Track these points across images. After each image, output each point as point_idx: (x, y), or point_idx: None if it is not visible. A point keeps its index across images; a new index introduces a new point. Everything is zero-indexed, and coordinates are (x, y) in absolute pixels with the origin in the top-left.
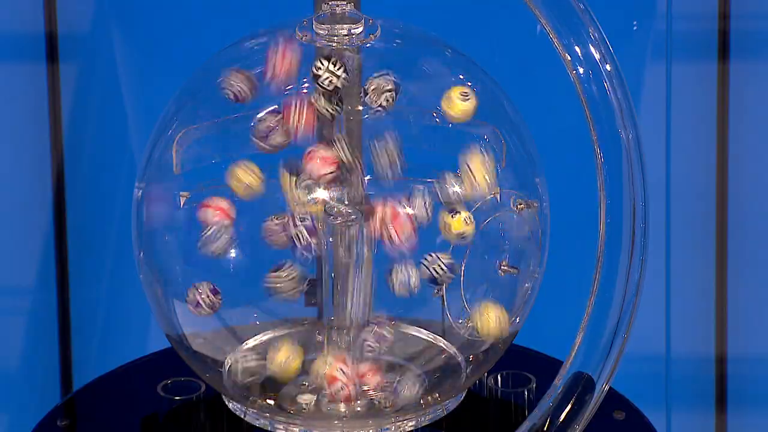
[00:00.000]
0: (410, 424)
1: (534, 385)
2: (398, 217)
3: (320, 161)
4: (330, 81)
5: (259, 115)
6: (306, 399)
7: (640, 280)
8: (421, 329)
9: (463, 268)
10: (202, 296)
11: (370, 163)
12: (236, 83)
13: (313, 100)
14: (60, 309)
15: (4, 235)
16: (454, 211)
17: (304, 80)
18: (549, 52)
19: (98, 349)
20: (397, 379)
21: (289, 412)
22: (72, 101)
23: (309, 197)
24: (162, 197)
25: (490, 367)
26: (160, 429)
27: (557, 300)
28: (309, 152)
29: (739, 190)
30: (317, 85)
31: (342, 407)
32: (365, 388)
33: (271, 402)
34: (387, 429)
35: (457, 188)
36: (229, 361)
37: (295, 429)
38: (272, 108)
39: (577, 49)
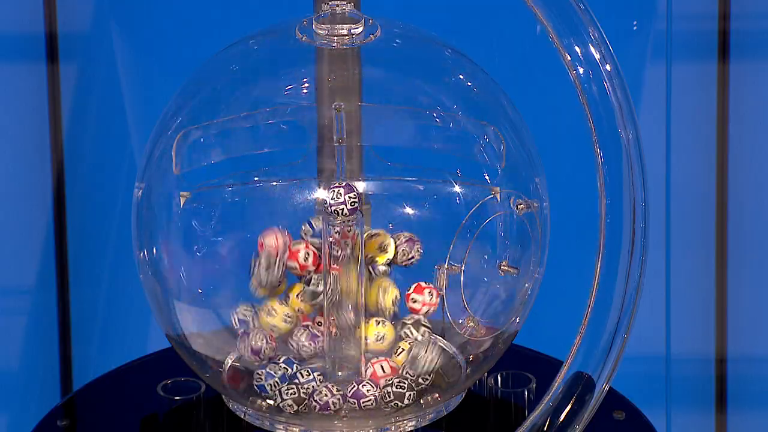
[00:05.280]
0: (410, 424)
1: (534, 385)
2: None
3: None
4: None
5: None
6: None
7: (640, 280)
8: None
9: (463, 268)
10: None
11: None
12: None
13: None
14: (60, 309)
15: (4, 235)
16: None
17: None
18: (549, 52)
19: (98, 349)
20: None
21: (289, 412)
22: (72, 101)
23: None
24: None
25: (490, 367)
26: (160, 429)
27: (557, 300)
28: None
29: (739, 190)
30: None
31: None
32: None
33: (271, 402)
34: (387, 429)
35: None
36: (229, 361)
37: (295, 429)
38: None
39: (577, 49)
